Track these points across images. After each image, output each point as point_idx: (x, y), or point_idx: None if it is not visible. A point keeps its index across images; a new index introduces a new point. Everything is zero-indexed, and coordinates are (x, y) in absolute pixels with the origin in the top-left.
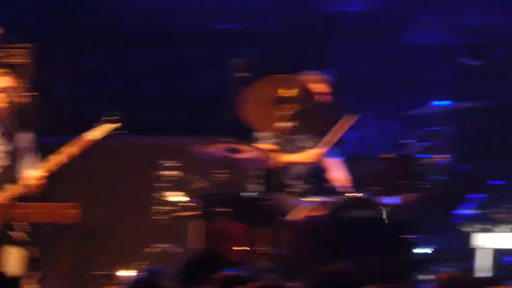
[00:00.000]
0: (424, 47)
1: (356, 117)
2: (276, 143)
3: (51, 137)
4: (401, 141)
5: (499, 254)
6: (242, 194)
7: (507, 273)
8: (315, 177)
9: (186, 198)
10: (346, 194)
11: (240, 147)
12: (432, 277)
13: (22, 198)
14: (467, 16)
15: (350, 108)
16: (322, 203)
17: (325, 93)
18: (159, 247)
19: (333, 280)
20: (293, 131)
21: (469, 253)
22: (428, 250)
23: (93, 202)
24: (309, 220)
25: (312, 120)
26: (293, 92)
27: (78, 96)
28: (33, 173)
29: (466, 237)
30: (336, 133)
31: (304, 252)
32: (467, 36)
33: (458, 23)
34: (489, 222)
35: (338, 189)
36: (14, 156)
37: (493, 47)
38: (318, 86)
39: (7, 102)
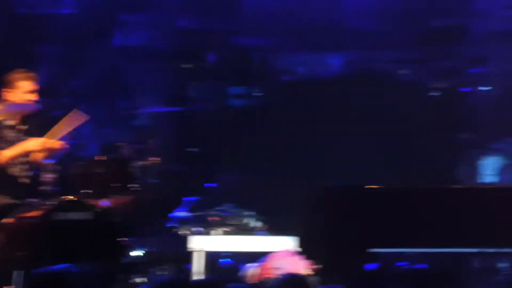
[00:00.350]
0: (133, 49)
1: (86, 118)
2: None
3: None
4: (112, 144)
5: (215, 257)
6: None
7: (224, 276)
8: (31, 178)
9: None
10: (59, 197)
11: None
12: (147, 280)
13: None
14: (178, 19)
15: (64, 110)
16: (35, 204)
17: (32, 91)
18: None
19: (44, 283)
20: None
21: (186, 256)
22: (143, 253)
23: None
24: (21, 222)
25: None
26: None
27: None
28: None
29: (182, 239)
30: (63, 127)
31: (17, 254)
32: (177, 39)
33: (168, 26)
34: (204, 225)
35: (51, 192)
36: None
37: (204, 50)
38: (26, 83)
39: None
